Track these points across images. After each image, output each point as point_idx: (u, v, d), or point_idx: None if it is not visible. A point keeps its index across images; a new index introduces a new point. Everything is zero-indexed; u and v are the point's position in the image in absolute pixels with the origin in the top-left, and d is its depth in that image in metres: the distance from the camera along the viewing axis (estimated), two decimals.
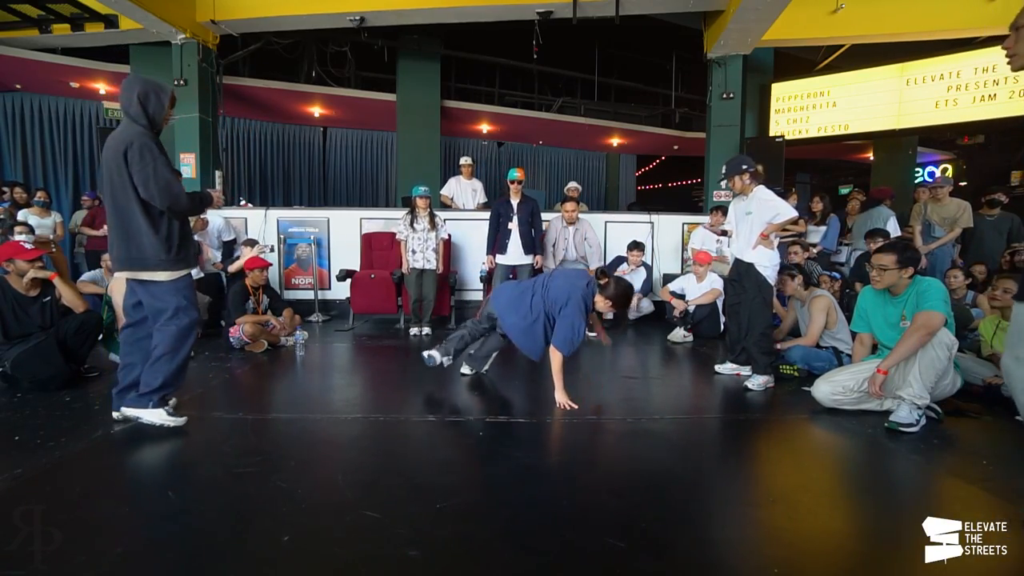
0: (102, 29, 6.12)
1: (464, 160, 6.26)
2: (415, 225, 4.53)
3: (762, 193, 3.05)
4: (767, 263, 3.05)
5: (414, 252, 4.52)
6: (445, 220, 4.76)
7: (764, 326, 3.06)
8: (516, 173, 4.70)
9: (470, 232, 5.59)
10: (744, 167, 3.08)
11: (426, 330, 4.53)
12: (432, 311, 4.66)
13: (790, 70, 8.16)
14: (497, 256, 4.74)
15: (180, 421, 2.29)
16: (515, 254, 4.66)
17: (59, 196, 7.84)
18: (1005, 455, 2.17)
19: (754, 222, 3.05)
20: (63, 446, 2.07)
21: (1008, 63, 1.58)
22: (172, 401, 2.38)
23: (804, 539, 1.54)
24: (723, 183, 3.31)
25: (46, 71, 7.07)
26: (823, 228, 5.38)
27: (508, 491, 1.79)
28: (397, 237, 4.65)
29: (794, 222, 4.30)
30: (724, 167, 3.18)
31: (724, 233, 4.72)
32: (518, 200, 4.68)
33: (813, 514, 1.67)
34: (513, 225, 4.63)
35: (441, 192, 6.29)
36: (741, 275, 3.17)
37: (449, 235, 5.46)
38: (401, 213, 4.77)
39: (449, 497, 1.69)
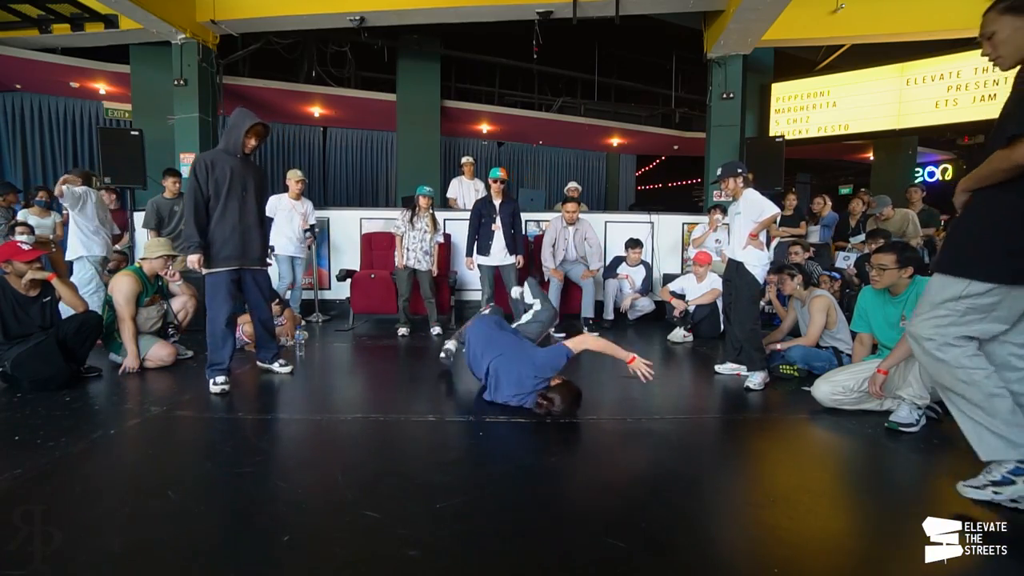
0: (102, 29, 6.13)
1: (465, 159, 6.25)
2: (415, 222, 4.51)
3: (750, 194, 3.17)
4: (756, 262, 3.13)
5: (408, 249, 4.50)
6: (445, 221, 4.73)
7: (751, 322, 3.13)
8: (499, 172, 4.60)
9: None
10: (739, 170, 3.21)
11: (403, 331, 4.46)
12: (437, 310, 4.64)
13: (790, 70, 8.16)
14: (479, 257, 4.63)
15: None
16: (499, 255, 4.55)
17: None
18: None
19: (743, 222, 3.16)
20: (63, 446, 2.07)
21: (997, 66, 1.64)
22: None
23: (804, 539, 1.54)
24: (714, 186, 3.41)
25: (46, 71, 7.08)
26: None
27: (508, 491, 1.79)
28: (394, 232, 4.60)
29: (796, 224, 4.32)
30: (720, 169, 3.31)
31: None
32: (500, 200, 4.58)
33: (813, 514, 1.67)
34: (496, 226, 4.53)
35: (447, 195, 6.28)
36: (733, 274, 3.24)
37: (449, 235, 5.46)
38: (400, 213, 4.75)
39: (449, 497, 1.69)
